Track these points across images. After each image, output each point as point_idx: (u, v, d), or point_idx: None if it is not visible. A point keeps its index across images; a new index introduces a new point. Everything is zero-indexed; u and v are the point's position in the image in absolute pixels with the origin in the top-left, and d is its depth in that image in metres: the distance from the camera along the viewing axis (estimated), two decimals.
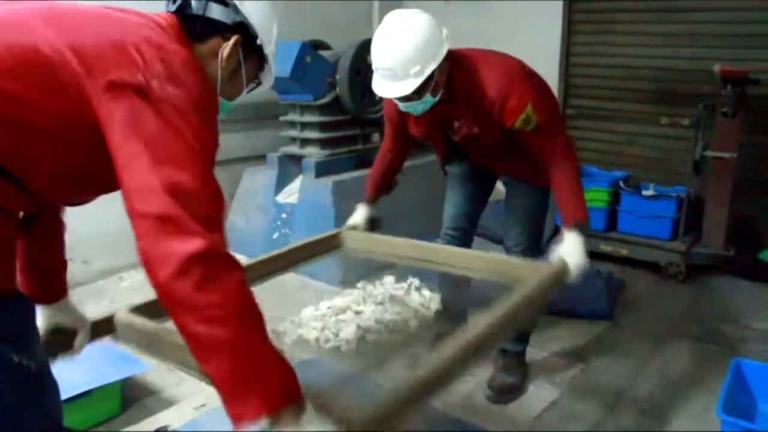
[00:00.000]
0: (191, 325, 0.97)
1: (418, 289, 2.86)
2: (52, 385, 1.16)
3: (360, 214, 2.25)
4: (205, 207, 1.01)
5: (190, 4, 1.21)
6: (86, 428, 2.13)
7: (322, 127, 3.84)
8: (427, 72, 1.82)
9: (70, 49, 1.02)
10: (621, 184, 3.91)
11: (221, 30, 1.22)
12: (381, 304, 3.02)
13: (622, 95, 4.26)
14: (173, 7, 1.22)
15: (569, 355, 2.74)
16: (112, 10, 1.15)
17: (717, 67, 3.34)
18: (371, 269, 3.30)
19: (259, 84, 1.38)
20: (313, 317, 2.90)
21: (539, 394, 2.43)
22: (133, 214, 0.99)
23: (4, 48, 0.99)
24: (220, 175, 1.09)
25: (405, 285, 3.22)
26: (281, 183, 3.93)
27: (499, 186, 2.48)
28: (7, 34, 1.02)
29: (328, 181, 3.65)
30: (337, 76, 3.71)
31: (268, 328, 1.04)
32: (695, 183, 3.63)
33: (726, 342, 2.89)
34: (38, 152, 1.03)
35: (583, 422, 2.25)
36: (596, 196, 3.85)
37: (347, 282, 3.43)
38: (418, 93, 1.86)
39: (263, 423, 0.95)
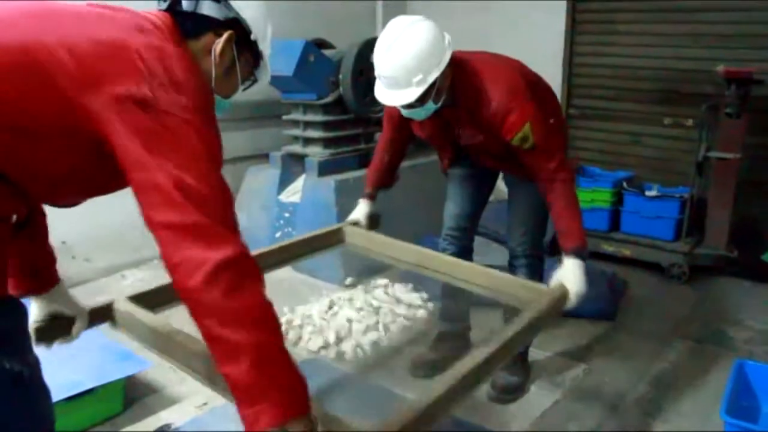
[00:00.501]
0: (215, 329, 0.99)
1: (418, 289, 2.85)
2: (44, 392, 1.16)
3: (361, 209, 2.27)
4: (222, 210, 1.03)
5: (180, 2, 1.20)
6: (89, 426, 2.13)
7: (325, 126, 3.84)
8: (430, 80, 1.82)
9: (64, 49, 1.00)
10: (624, 184, 3.90)
11: (214, 26, 1.21)
12: (381, 304, 3.03)
13: (625, 95, 4.25)
14: (164, 5, 1.21)
15: (572, 356, 2.73)
16: (105, 9, 1.14)
17: (721, 68, 3.33)
18: (372, 268, 3.30)
19: (255, 81, 1.37)
20: (312, 316, 2.91)
21: (541, 394, 2.42)
22: (153, 224, 1.00)
23: None
24: (223, 173, 1.10)
25: (405, 285, 3.23)
26: (284, 182, 3.92)
27: (501, 186, 2.48)
28: None
29: (331, 180, 3.65)
30: (340, 75, 3.70)
31: None
32: (699, 184, 3.61)
33: (729, 343, 2.88)
34: (29, 155, 1.03)
35: (585, 423, 2.25)
36: (599, 197, 3.85)
37: (348, 281, 3.43)
38: (421, 101, 1.87)
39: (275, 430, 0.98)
